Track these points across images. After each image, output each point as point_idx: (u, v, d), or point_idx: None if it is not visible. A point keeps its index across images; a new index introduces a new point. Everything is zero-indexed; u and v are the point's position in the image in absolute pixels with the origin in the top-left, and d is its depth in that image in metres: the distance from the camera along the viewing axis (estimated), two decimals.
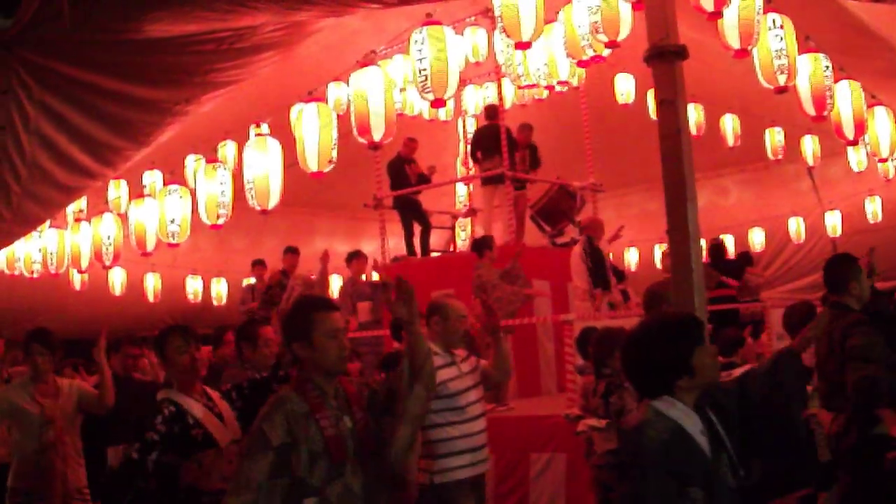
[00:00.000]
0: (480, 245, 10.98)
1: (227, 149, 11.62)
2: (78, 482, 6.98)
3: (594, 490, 7.03)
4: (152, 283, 16.89)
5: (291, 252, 13.83)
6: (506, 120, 13.02)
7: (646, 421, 3.56)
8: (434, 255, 15.10)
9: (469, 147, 14.43)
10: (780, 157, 14.27)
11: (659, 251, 16.99)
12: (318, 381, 4.11)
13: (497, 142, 12.74)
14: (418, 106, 13.92)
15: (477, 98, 15.68)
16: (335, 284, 18.52)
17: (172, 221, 10.00)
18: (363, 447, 4.09)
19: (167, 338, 5.12)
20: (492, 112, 13.57)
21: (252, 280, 14.66)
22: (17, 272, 13.67)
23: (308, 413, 3.99)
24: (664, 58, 5.24)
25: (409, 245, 14.45)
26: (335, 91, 11.41)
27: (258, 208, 8.90)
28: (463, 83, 14.36)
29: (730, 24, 7.60)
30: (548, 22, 8.97)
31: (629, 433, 3.66)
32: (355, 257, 12.95)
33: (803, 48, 8.73)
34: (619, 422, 6.40)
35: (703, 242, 7.85)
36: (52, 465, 6.72)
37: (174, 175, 10.60)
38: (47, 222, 11.91)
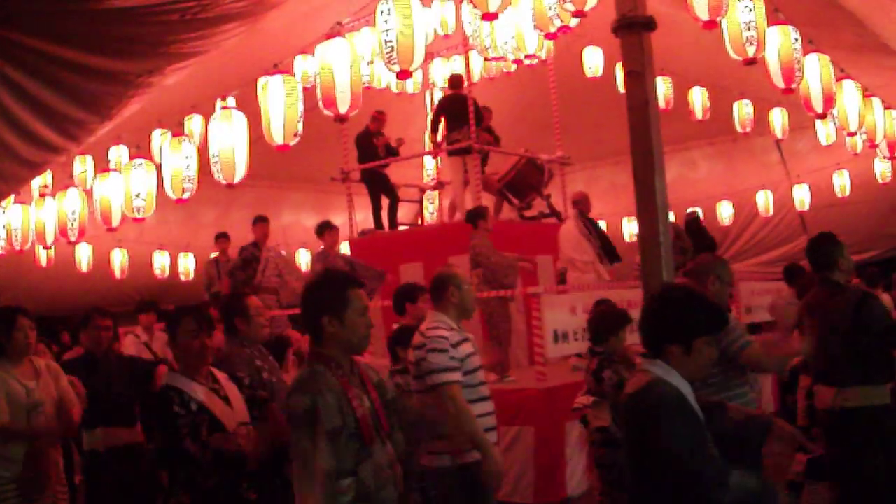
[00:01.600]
0: (475, 215, 10.91)
1: (193, 122, 11.51)
2: (61, 467, 6.60)
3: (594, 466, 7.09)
4: (119, 259, 16.75)
5: (262, 221, 13.50)
6: (473, 93, 12.94)
7: (652, 381, 3.63)
8: (402, 228, 15.07)
9: (432, 117, 14.30)
10: (748, 130, 14.28)
11: (627, 225, 17.06)
12: (339, 359, 4.06)
13: (464, 112, 12.67)
14: (385, 79, 13.86)
15: (444, 71, 15.58)
16: (302, 258, 18.49)
17: (138, 196, 9.91)
18: (380, 427, 4.06)
19: (180, 320, 5.00)
20: (456, 82, 13.45)
21: (215, 255, 14.47)
22: None
23: (342, 391, 3.95)
24: (632, 29, 5.21)
25: (377, 218, 14.38)
26: (302, 64, 11.33)
27: (224, 182, 8.82)
28: (430, 56, 14.30)
29: None
30: None
31: (633, 396, 3.67)
32: (327, 229, 12.45)
33: (772, 20, 8.72)
34: (618, 396, 6.37)
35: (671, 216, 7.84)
36: (45, 452, 6.24)
37: (140, 149, 10.50)
38: (11, 198, 11.77)
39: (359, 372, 4.17)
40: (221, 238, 14.15)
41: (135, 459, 7.15)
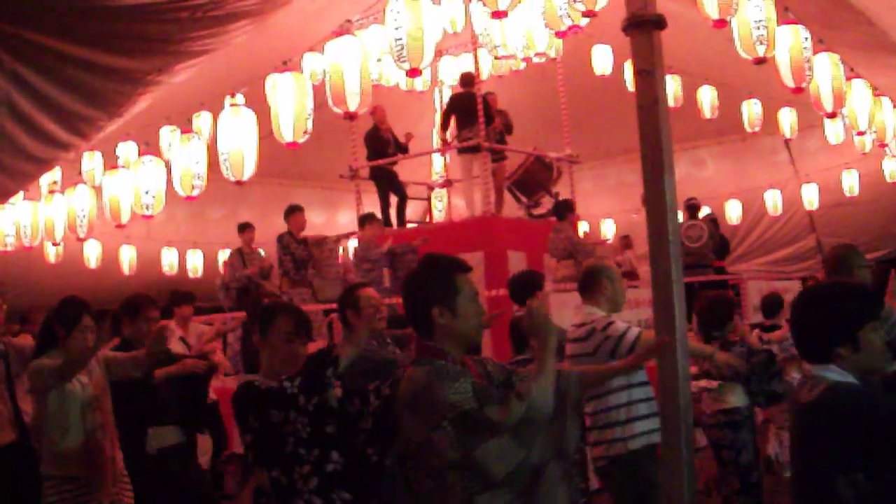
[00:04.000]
0: (563, 208, 11.01)
1: (202, 119, 11.50)
2: (120, 467, 6.22)
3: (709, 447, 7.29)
4: (128, 256, 16.77)
5: (297, 211, 12.87)
6: (482, 91, 12.91)
7: (830, 386, 3.37)
8: (410, 226, 15.06)
9: (443, 114, 14.25)
10: (757, 129, 14.25)
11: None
12: (454, 354, 3.64)
13: (475, 111, 12.61)
14: (395, 77, 13.85)
15: (453, 69, 15.58)
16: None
17: (147, 193, 9.90)
18: None
19: (276, 318, 4.46)
20: (468, 80, 13.38)
21: (223, 251, 14.27)
22: None
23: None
24: (643, 27, 5.16)
25: (385, 216, 14.34)
26: (311, 61, 11.34)
27: (233, 179, 8.82)
28: (439, 54, 14.28)
29: None
30: None
31: (812, 405, 3.41)
32: (368, 221, 12.31)
33: (782, 19, 8.72)
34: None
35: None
36: (102, 448, 6.01)
37: (149, 146, 10.49)
38: (20, 194, 11.78)
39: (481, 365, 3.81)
40: (248, 229, 13.47)
41: (183, 459, 6.90)
